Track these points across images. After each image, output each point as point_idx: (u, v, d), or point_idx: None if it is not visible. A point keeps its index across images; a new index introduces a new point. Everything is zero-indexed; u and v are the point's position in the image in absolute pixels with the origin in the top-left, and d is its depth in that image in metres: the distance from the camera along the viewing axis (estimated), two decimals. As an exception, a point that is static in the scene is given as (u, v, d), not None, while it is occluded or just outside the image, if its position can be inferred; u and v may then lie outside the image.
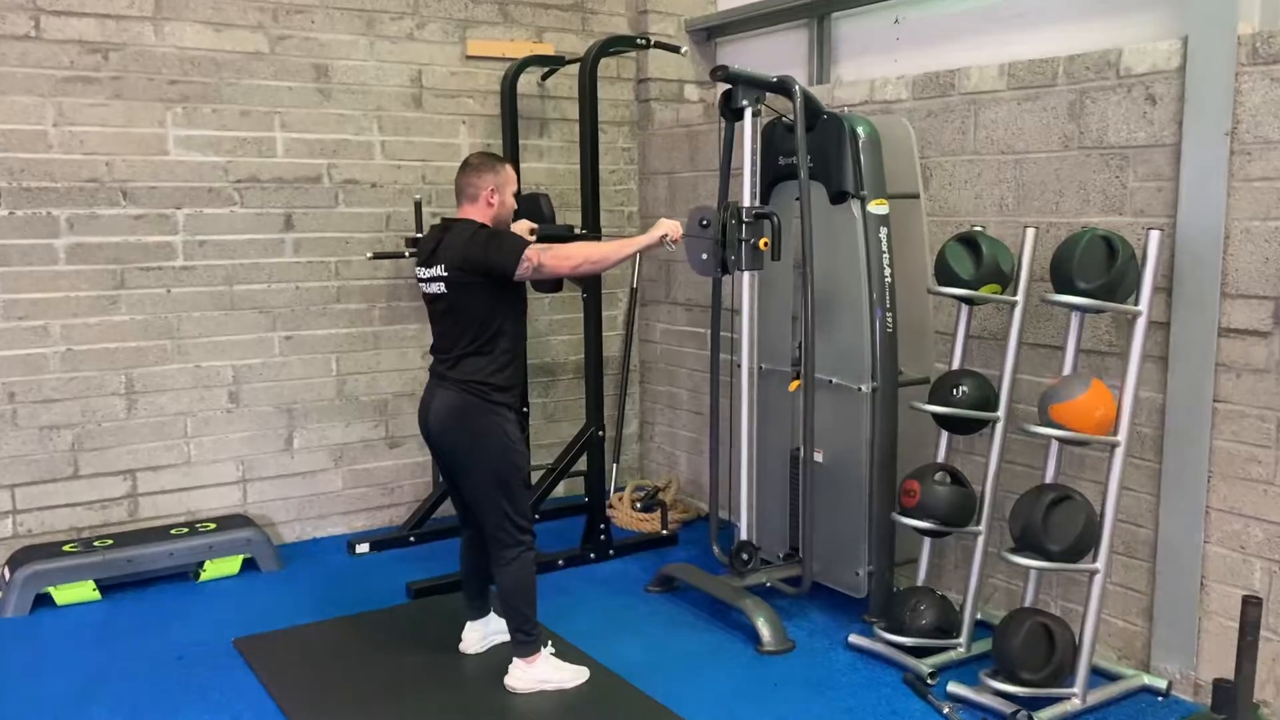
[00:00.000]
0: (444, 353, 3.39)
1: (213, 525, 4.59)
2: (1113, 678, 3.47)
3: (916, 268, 4.03)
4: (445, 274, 3.29)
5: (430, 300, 3.41)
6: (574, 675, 3.48)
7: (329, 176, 4.89)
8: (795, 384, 4.15)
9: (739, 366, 4.40)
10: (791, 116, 4.01)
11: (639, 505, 5.08)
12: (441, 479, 3.69)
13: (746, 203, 3.89)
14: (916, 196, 4.05)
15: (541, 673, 3.44)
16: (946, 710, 3.30)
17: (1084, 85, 3.58)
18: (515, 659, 3.45)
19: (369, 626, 4.00)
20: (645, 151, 5.68)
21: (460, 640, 3.74)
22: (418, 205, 4.80)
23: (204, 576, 4.49)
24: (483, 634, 3.74)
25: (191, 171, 4.59)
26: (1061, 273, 3.27)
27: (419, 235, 4.81)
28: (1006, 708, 3.26)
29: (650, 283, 5.70)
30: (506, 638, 3.74)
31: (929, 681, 3.48)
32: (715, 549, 4.42)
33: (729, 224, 3.80)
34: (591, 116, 4.60)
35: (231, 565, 4.55)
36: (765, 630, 3.82)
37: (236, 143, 4.67)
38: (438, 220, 3.61)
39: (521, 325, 3.44)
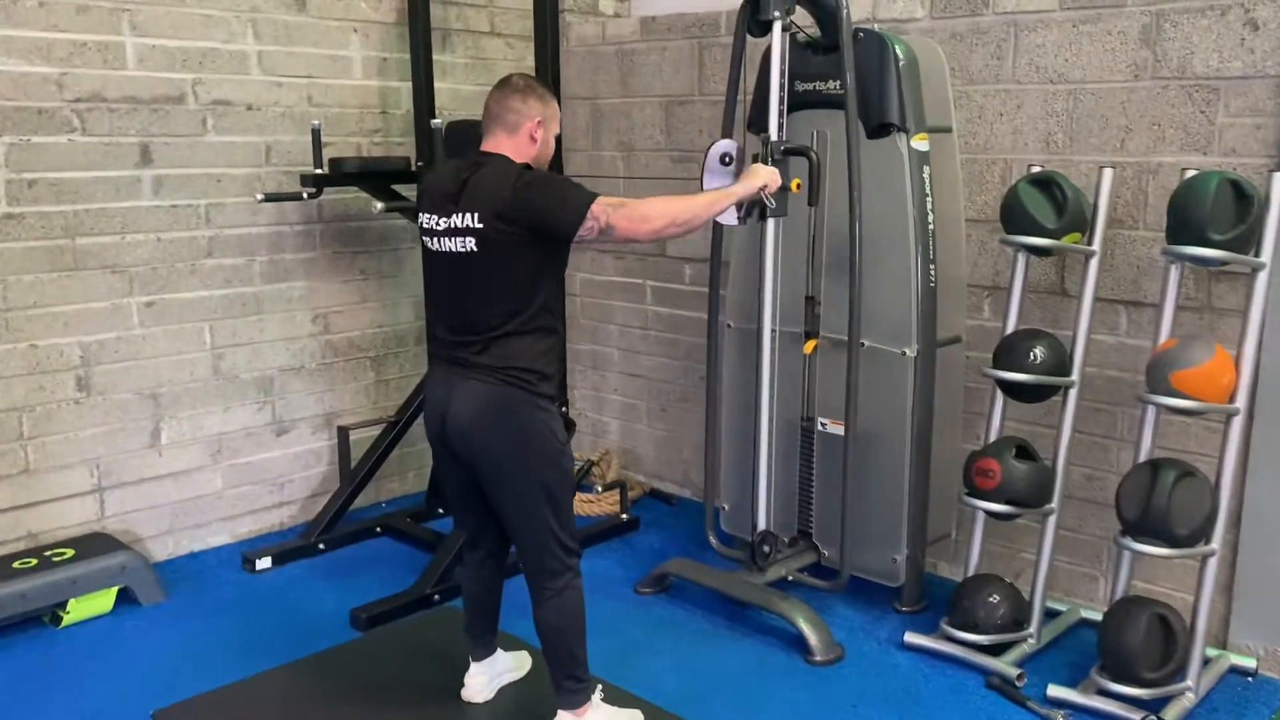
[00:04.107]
0: (470, 332, 2.58)
1: (70, 552, 3.53)
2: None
3: (952, 212, 3.55)
4: (480, 226, 2.48)
5: (448, 261, 2.57)
6: (630, 722, 2.84)
7: (195, 95, 3.82)
8: (812, 344, 3.60)
9: (730, 327, 3.84)
10: (811, 32, 3.43)
11: (599, 488, 4.39)
12: (453, 492, 2.87)
13: (773, 136, 3.28)
14: (949, 130, 3.55)
15: (594, 726, 2.77)
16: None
17: (1162, 6, 3.18)
18: (561, 713, 2.74)
19: (324, 675, 3.14)
20: (559, 72, 4.87)
21: (463, 686, 2.99)
22: (315, 134, 3.81)
23: (67, 620, 3.45)
24: (490, 676, 3.01)
25: (13, 86, 3.42)
26: (1188, 221, 2.86)
27: (319, 172, 3.85)
28: (1121, 710, 2.91)
29: (568, 226, 4.94)
30: (515, 677, 3.08)
31: (1017, 684, 3.08)
32: (713, 539, 3.83)
33: (770, 161, 3.18)
34: (553, 19, 3.78)
35: (103, 602, 3.52)
36: (813, 637, 3.29)
37: (73, 49, 3.53)
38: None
39: (563, 294, 2.69)
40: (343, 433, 4.15)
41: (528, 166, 2.58)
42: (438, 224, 2.56)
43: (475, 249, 2.51)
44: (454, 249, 2.54)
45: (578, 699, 2.74)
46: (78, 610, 3.46)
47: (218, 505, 4.08)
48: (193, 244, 3.88)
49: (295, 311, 4.19)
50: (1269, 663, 3.21)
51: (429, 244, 2.60)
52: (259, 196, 3.81)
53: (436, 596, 3.59)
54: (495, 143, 2.60)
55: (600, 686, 2.83)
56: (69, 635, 3.41)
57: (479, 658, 2.99)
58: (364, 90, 4.28)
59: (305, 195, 3.88)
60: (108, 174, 3.65)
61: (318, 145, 3.82)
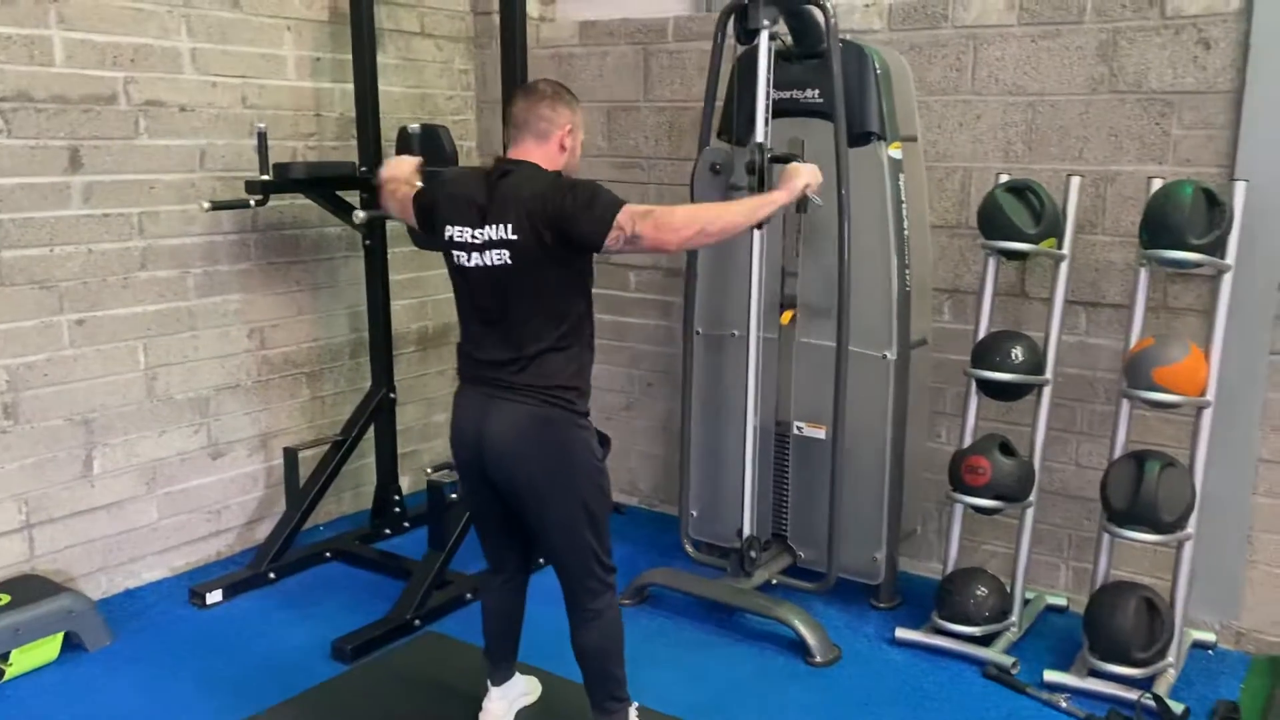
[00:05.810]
0: (509, 350, 2.47)
1: (5, 597, 3.19)
2: (1164, 637, 3.41)
3: (920, 218, 3.66)
4: (514, 237, 2.38)
5: (482, 277, 2.46)
6: (665, 737, 2.80)
7: (126, 95, 3.53)
8: (789, 315, 3.63)
9: (698, 333, 3.84)
10: (787, 41, 3.48)
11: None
12: (484, 517, 2.74)
13: (759, 139, 3.30)
14: (915, 139, 3.66)
15: (633, 743, 2.71)
16: (1064, 704, 3.04)
17: (1118, 24, 3.38)
18: (601, 733, 2.68)
19: (324, 714, 2.96)
20: (486, 75, 4.76)
21: (481, 711, 2.88)
22: (261, 137, 3.58)
23: (11, 673, 3.12)
24: (510, 701, 2.90)
25: (-69, 82, 3.09)
26: (1167, 227, 3.04)
27: (265, 179, 3.63)
28: (1117, 690, 3.07)
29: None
30: (528, 701, 3.00)
31: (1012, 671, 3.21)
32: (689, 547, 3.82)
33: (763, 167, 3.20)
34: (521, 21, 3.68)
35: (48, 650, 3.21)
36: (811, 639, 3.33)
37: (-3, 42, 3.21)
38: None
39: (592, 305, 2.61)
40: (290, 454, 3.92)
41: (560, 174, 2.49)
42: (473, 237, 2.43)
43: (510, 261, 2.40)
44: (489, 263, 2.42)
45: (618, 718, 2.68)
46: (21, 662, 3.14)
47: (153, 538, 3.78)
48: (125, 256, 3.58)
49: (230, 327, 3.93)
50: (1225, 636, 3.45)
51: (460, 259, 2.48)
52: (205, 205, 3.55)
53: (417, 622, 3.44)
54: (524, 150, 2.49)
55: (636, 705, 2.77)
56: (15, 690, 3.09)
57: (498, 682, 2.88)
58: (299, 92, 4.05)
59: (252, 203, 3.64)
60: (34, 180, 3.32)
61: (264, 150, 3.60)
